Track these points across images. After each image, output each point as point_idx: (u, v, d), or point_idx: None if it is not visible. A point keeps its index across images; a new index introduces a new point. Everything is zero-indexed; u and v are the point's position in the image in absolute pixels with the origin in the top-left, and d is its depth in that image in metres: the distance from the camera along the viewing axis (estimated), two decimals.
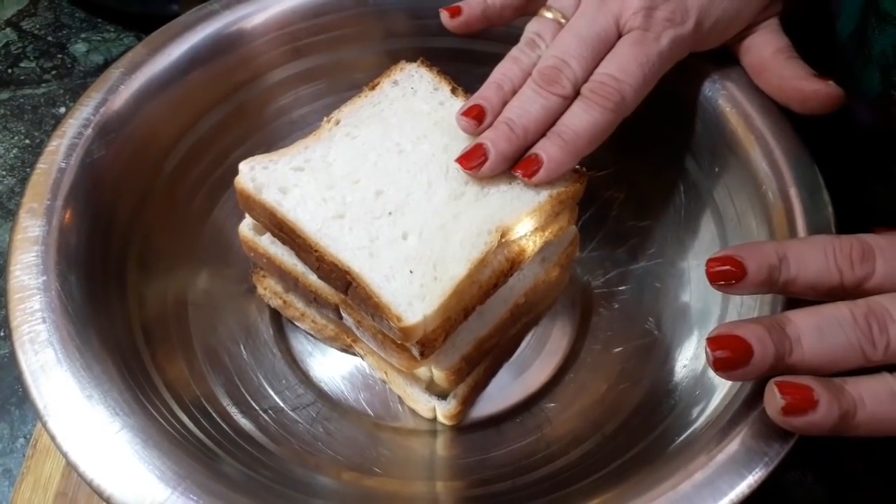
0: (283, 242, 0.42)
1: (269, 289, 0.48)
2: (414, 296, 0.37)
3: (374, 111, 0.44)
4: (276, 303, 0.48)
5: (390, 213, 0.40)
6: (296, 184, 0.41)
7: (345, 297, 0.41)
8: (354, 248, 0.39)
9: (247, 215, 0.44)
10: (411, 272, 0.38)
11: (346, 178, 0.41)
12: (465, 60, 0.50)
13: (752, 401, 0.34)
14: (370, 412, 0.45)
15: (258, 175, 0.41)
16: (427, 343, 0.39)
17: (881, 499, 0.46)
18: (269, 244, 0.44)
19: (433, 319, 0.37)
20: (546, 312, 0.49)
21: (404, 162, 0.42)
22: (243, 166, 0.42)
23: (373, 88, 0.46)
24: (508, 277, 0.41)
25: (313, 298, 0.43)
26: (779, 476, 0.45)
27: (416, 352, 0.39)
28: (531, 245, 0.41)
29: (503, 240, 0.39)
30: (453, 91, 0.45)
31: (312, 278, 0.42)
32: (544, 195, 0.40)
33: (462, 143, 0.42)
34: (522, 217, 0.39)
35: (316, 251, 0.39)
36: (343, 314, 0.42)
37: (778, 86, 0.41)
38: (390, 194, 0.41)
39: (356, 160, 0.42)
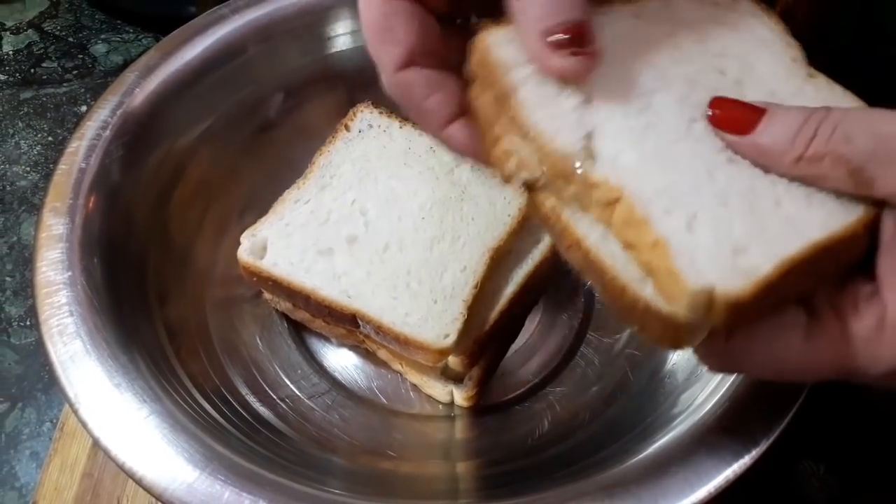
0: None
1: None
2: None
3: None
4: (284, 306, 0.49)
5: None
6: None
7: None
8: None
9: (242, 239, 0.46)
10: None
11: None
12: None
13: (748, 383, 0.36)
14: (383, 399, 0.47)
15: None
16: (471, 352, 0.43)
17: (894, 490, 0.47)
18: (271, 265, 0.45)
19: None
20: (545, 291, 0.51)
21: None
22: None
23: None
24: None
25: (328, 312, 0.45)
26: (790, 466, 0.47)
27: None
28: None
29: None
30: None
31: (324, 293, 0.44)
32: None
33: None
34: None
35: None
36: (360, 322, 0.44)
37: None
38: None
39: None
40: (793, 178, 0.26)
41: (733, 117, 0.26)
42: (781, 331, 0.25)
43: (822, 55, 0.31)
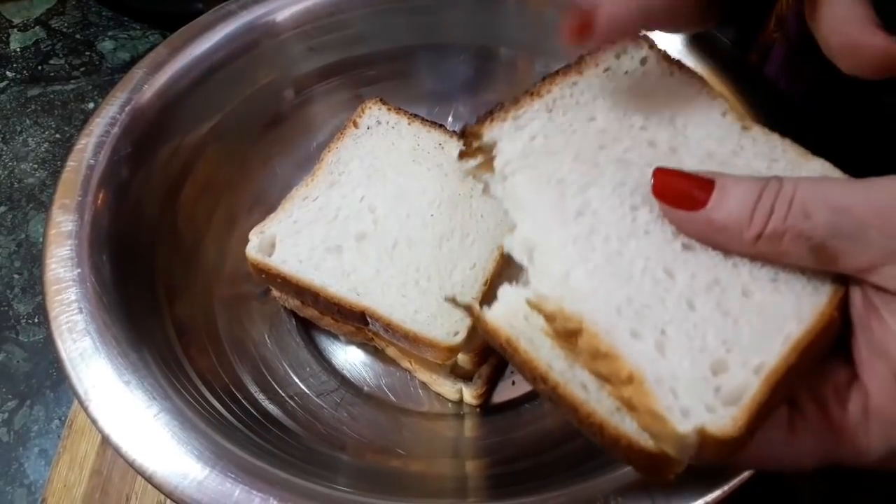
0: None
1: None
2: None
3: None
4: (292, 303, 0.49)
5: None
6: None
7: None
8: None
9: (251, 236, 0.46)
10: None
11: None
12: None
13: None
14: (392, 397, 0.47)
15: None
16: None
17: (883, 492, 0.47)
18: (280, 262, 0.44)
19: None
20: None
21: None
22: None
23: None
24: None
25: (337, 310, 0.44)
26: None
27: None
28: None
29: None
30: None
31: (333, 290, 0.43)
32: None
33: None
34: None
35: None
36: (369, 320, 0.44)
37: (828, 32, 0.28)
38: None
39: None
40: (754, 257, 0.25)
41: (681, 190, 0.25)
42: (764, 429, 0.24)
43: (817, 58, 0.30)
